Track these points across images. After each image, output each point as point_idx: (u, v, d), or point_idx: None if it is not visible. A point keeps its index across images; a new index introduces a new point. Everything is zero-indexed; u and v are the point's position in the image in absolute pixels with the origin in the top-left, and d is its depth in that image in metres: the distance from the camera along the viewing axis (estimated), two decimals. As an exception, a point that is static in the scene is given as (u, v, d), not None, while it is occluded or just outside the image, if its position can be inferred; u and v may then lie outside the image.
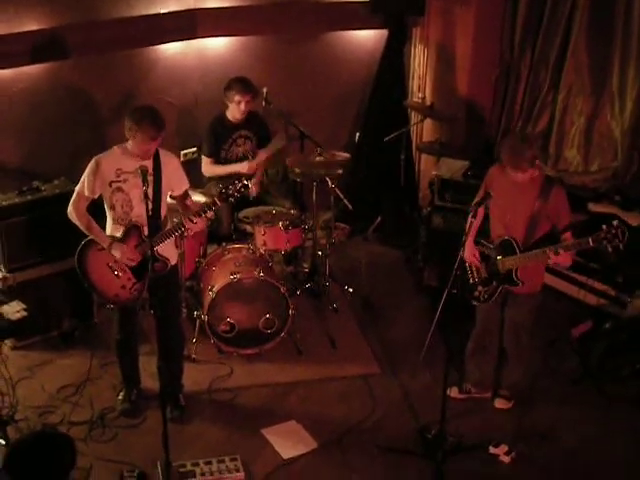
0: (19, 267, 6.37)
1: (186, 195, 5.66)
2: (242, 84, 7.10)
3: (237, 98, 7.10)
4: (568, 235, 5.28)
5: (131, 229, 5.35)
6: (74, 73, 7.05)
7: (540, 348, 6.61)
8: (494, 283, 5.55)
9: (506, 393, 5.99)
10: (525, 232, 5.39)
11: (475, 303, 5.67)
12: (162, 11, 7.31)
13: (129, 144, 5.27)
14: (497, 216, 5.57)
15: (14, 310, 5.20)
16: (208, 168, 7.25)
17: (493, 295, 5.58)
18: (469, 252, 5.65)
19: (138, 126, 5.11)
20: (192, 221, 5.33)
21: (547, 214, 5.32)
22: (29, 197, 6.36)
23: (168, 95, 7.69)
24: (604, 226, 4.86)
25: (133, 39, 7.24)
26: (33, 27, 6.60)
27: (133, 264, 5.40)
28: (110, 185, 5.27)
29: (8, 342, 6.35)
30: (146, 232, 5.31)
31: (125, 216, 5.34)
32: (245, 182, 5.32)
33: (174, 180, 5.44)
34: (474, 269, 5.71)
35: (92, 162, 5.30)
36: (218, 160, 7.28)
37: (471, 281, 5.71)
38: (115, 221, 5.39)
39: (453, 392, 6.03)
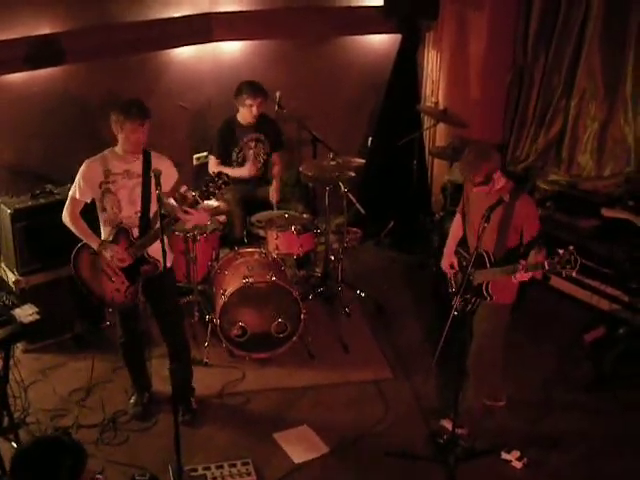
0: (32, 270, 6.41)
1: (177, 188, 5.58)
2: (252, 87, 7.12)
3: (248, 102, 7.13)
4: (539, 255, 5.09)
5: (119, 232, 5.37)
6: (88, 77, 7.07)
7: (552, 352, 6.60)
8: (468, 294, 5.43)
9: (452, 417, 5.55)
10: (495, 244, 5.28)
11: (454, 312, 5.44)
12: (176, 15, 7.33)
13: (118, 146, 5.34)
14: (470, 226, 5.51)
15: (27, 313, 5.20)
16: (214, 168, 7.25)
17: (467, 305, 5.47)
18: (447, 261, 5.65)
19: (125, 115, 5.18)
20: (187, 212, 5.29)
21: (514, 225, 5.21)
22: (42, 200, 6.40)
23: (182, 99, 7.72)
24: (560, 251, 4.80)
25: (147, 43, 7.26)
26: (47, 31, 6.62)
27: (124, 265, 5.41)
28: (100, 187, 5.31)
29: (20, 345, 6.37)
30: (135, 234, 5.38)
31: (114, 217, 5.36)
32: (225, 178, 5.27)
33: (167, 181, 5.35)
34: (452, 278, 5.67)
35: (83, 165, 5.36)
36: (226, 162, 7.30)
37: (450, 290, 5.68)
38: (106, 223, 5.42)
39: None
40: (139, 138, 5.26)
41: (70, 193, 5.39)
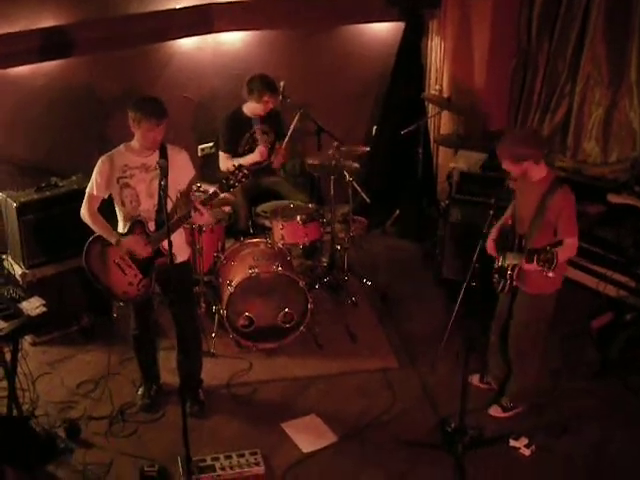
0: (38, 263, 6.42)
1: (191, 188, 5.61)
2: (269, 84, 7.12)
3: (266, 98, 7.13)
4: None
5: (135, 224, 5.35)
6: (90, 70, 7.08)
7: (560, 340, 6.59)
8: (498, 274, 5.42)
9: (505, 402, 5.82)
10: (529, 233, 5.22)
11: (496, 291, 5.54)
12: (177, 6, 7.32)
13: (134, 140, 5.32)
14: (518, 217, 5.45)
15: (34, 306, 5.20)
16: (226, 164, 7.24)
17: (499, 285, 5.43)
18: (490, 242, 5.55)
19: (142, 113, 5.15)
20: (198, 210, 5.26)
21: (546, 220, 5.14)
22: (47, 193, 6.40)
23: (185, 90, 7.71)
24: (547, 248, 4.79)
25: (149, 35, 7.24)
26: (49, 24, 6.62)
27: (147, 253, 5.39)
28: (118, 182, 5.30)
29: (28, 338, 6.39)
30: (152, 227, 5.37)
31: (134, 211, 5.36)
32: (245, 171, 5.30)
33: (182, 175, 5.40)
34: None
35: (99, 161, 5.34)
36: (236, 155, 7.27)
37: (495, 266, 5.59)
38: (126, 218, 5.41)
39: (475, 380, 6.03)
40: (155, 137, 5.24)
41: (87, 190, 5.38)
